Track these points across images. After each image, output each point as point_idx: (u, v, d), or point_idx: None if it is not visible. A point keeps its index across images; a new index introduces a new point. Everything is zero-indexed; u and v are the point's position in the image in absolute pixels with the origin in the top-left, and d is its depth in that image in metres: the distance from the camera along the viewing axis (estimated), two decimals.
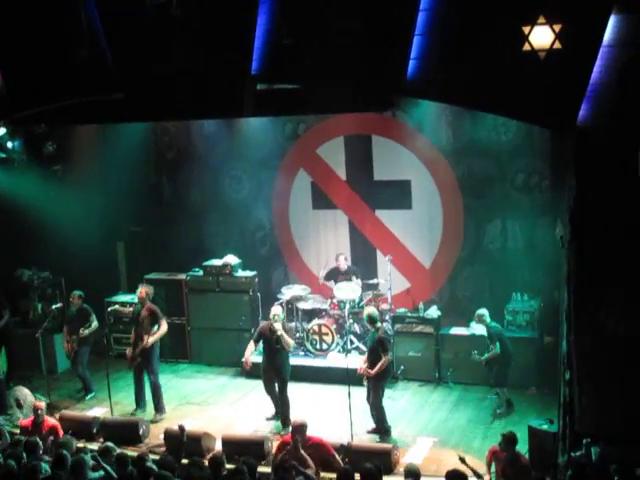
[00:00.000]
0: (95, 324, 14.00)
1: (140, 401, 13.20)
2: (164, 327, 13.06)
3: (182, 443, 10.29)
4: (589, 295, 9.00)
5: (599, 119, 8.60)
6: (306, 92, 10.48)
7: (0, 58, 10.08)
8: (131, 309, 14.27)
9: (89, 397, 14.05)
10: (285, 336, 12.29)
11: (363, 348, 13.73)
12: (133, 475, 8.96)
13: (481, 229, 14.84)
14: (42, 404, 11.71)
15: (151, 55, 10.25)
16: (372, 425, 12.01)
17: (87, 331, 13.88)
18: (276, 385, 12.45)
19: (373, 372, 11.76)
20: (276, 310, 12.54)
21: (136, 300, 13.48)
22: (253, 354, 12.66)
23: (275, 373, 12.41)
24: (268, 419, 12.58)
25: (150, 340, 12.84)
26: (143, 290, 13.14)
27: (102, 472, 9.13)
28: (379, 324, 12.04)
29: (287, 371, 12.51)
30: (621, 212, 8.82)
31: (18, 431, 11.63)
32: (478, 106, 10.03)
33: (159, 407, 13.03)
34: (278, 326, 12.23)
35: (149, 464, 9.30)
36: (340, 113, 13.83)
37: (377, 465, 8.96)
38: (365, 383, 11.98)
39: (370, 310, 12.20)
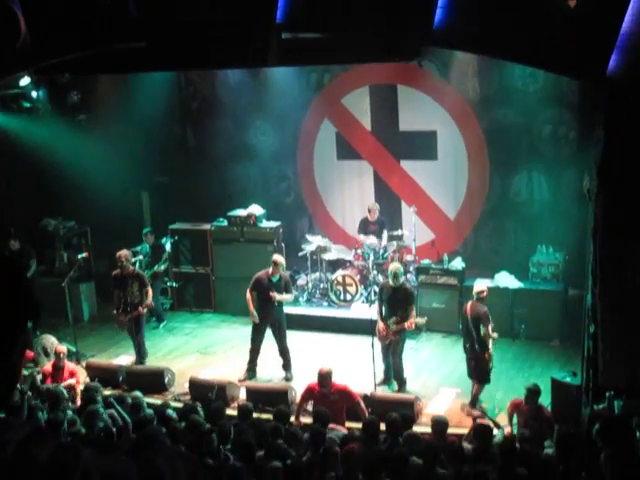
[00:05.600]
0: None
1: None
2: (150, 293, 13.10)
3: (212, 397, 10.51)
4: (615, 249, 8.91)
5: (630, 70, 8.44)
6: (331, 41, 10.36)
7: (24, 7, 9.99)
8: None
9: (162, 326, 14.83)
10: (285, 297, 12.43)
11: None
12: (147, 419, 9.12)
13: (507, 181, 14.74)
14: (63, 348, 11.95)
15: (175, 3, 10.16)
16: (381, 377, 11.99)
17: (163, 266, 14.74)
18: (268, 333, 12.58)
19: (412, 325, 11.69)
20: (277, 258, 12.57)
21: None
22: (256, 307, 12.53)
23: (273, 324, 12.47)
24: (241, 380, 12.33)
25: (144, 310, 12.96)
26: (122, 254, 12.87)
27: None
28: (402, 281, 11.87)
29: (284, 320, 12.62)
30: None
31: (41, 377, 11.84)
32: (506, 56, 9.88)
33: (139, 357, 13.08)
34: (274, 294, 12.24)
35: (170, 411, 9.47)
36: (366, 63, 13.67)
37: (404, 415, 9.04)
38: (386, 342, 11.78)
39: (395, 266, 12.00)
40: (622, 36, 8.37)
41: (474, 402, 11.07)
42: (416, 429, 9.74)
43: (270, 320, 12.44)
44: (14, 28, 10.40)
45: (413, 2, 9.17)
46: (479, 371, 11.06)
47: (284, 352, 12.50)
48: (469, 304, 11.32)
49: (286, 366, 12.48)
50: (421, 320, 12.04)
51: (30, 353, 12.50)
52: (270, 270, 12.39)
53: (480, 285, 11.66)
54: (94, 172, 14.97)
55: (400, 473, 7.39)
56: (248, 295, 12.45)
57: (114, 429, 9.07)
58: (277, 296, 12.29)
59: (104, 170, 15.18)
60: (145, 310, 12.99)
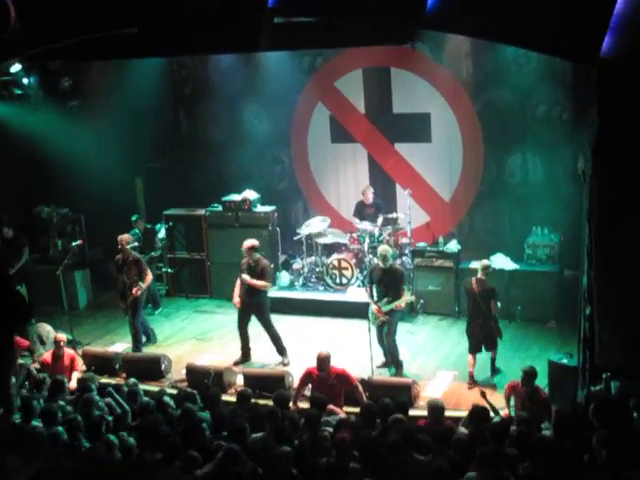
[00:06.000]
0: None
1: (149, 334, 13.50)
2: (149, 277, 13.12)
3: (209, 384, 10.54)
4: (610, 231, 8.90)
5: (623, 51, 8.39)
6: (324, 25, 10.30)
7: None
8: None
9: (158, 312, 14.85)
10: (258, 283, 12.28)
11: None
12: (143, 405, 9.17)
13: (501, 162, 14.70)
14: (63, 337, 12.00)
15: None
16: (382, 360, 12.02)
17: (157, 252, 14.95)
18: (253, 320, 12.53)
19: (402, 305, 11.71)
20: (247, 243, 12.48)
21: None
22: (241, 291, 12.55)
23: (255, 311, 12.43)
24: (236, 363, 12.44)
25: (139, 294, 12.86)
26: (123, 238, 12.96)
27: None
28: (391, 262, 11.85)
29: (267, 306, 12.54)
30: None
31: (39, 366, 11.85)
32: (499, 39, 9.84)
33: (136, 345, 13.06)
34: (245, 277, 12.26)
35: (166, 399, 9.50)
36: (359, 47, 13.59)
37: (399, 400, 9.05)
38: (377, 323, 11.77)
39: (383, 248, 11.95)
40: (615, 17, 8.33)
41: (495, 368, 11.63)
42: (414, 413, 9.77)
43: (250, 306, 12.41)
44: (4, 15, 10.33)
45: None
46: (492, 341, 11.51)
47: (273, 339, 12.46)
48: (473, 280, 11.53)
49: (280, 352, 12.45)
50: (410, 298, 12.02)
51: (25, 342, 12.48)
52: (247, 258, 12.42)
53: (485, 261, 11.80)
54: (87, 159, 14.90)
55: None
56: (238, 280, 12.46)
57: (110, 417, 9.09)
58: (247, 279, 12.24)
59: (97, 156, 15.12)
60: (139, 293, 12.87)
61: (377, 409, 8.82)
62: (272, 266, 13.25)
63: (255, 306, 12.41)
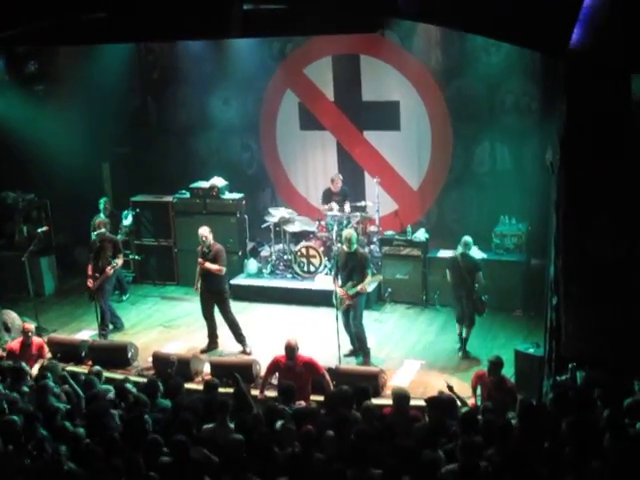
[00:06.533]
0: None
1: (115, 322, 13.46)
2: (121, 261, 13.31)
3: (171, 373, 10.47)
4: (577, 221, 8.95)
5: (591, 43, 8.42)
6: (293, 13, 10.26)
7: None
8: None
9: (125, 298, 14.87)
10: (212, 267, 12.25)
11: None
12: (98, 394, 9.13)
13: (469, 151, 14.76)
14: (31, 326, 11.89)
15: None
16: (349, 348, 12.02)
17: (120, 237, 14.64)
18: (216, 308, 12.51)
19: (366, 288, 11.74)
20: (202, 231, 12.44)
21: (97, 230, 13.25)
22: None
23: (213, 296, 12.43)
24: (203, 351, 12.43)
25: (110, 273, 12.98)
26: (101, 222, 13.17)
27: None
28: (356, 246, 11.80)
29: (226, 291, 12.55)
30: (611, 138, 8.71)
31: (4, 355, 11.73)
32: (468, 28, 9.85)
33: (103, 326, 13.01)
34: (200, 260, 12.28)
35: (128, 386, 9.48)
36: (328, 34, 13.55)
37: (359, 387, 9.08)
38: (343, 308, 11.78)
39: (348, 232, 11.94)
40: (584, 9, 8.36)
41: (465, 349, 12.06)
42: (380, 402, 9.80)
43: (210, 293, 12.41)
44: None
45: None
46: (471, 318, 11.98)
47: (231, 325, 12.43)
48: (458, 256, 12.01)
49: (238, 340, 12.41)
50: (373, 278, 12.05)
51: None
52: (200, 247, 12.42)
53: (466, 237, 12.07)
54: (53, 143, 14.72)
55: None
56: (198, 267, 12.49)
57: (67, 405, 9.03)
58: (206, 264, 12.23)
59: (63, 141, 14.92)
60: (112, 271, 12.97)
61: (338, 397, 8.83)
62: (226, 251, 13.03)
63: (214, 292, 12.39)
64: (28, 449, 7.79)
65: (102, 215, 14.63)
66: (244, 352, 12.27)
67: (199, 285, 12.47)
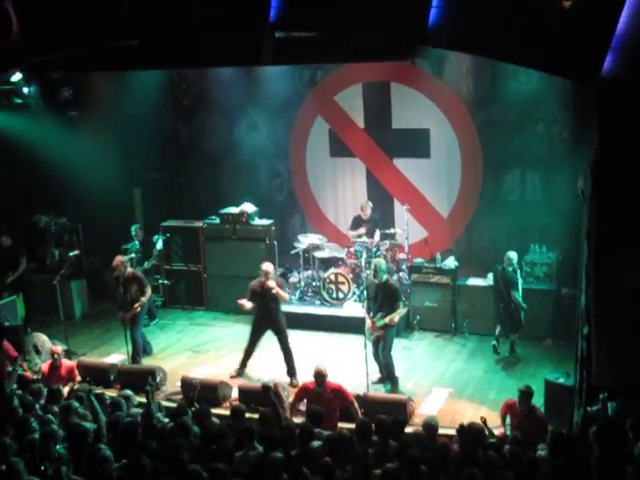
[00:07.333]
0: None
1: (145, 347, 13.45)
2: (149, 293, 13.32)
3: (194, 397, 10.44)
4: (609, 250, 8.86)
5: (624, 71, 8.37)
6: (325, 40, 10.29)
7: (15, 4, 9.92)
8: None
9: (153, 323, 14.83)
10: (280, 292, 12.28)
11: None
12: (119, 421, 9.06)
13: (500, 179, 14.71)
14: (59, 348, 11.96)
15: (168, 1, 10.08)
16: (377, 375, 11.98)
17: (152, 262, 15.07)
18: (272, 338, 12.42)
19: (395, 320, 11.66)
20: (267, 267, 12.37)
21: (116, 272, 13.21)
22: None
23: (272, 328, 12.35)
24: (232, 377, 12.40)
25: (139, 309, 13.00)
26: (118, 261, 13.11)
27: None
28: (386, 276, 11.86)
29: (284, 323, 12.48)
30: None
31: (37, 377, 11.81)
32: (500, 57, 9.79)
33: (134, 357, 13.02)
34: (272, 283, 12.17)
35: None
36: (359, 62, 13.61)
37: (395, 419, 8.98)
38: (373, 339, 11.78)
39: (377, 261, 11.99)
40: (617, 37, 8.33)
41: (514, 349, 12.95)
42: (409, 430, 9.72)
43: (268, 324, 12.36)
44: (6, 25, 10.33)
45: (407, 1, 9.11)
46: (514, 324, 12.78)
47: (287, 356, 12.34)
48: (499, 268, 12.83)
49: (290, 372, 12.28)
50: (403, 310, 12.00)
51: (14, 352, 12.31)
52: (263, 279, 12.29)
53: (511, 253, 12.87)
54: (86, 168, 14.86)
55: None
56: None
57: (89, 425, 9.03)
58: (278, 290, 12.20)
59: (96, 166, 15.08)
60: (139, 308, 12.98)
61: (376, 425, 8.74)
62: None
63: (280, 321, 12.40)
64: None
65: (136, 243, 14.76)
66: (291, 384, 12.01)
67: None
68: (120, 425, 8.86)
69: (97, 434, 8.74)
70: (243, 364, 12.56)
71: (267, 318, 12.34)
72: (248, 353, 12.54)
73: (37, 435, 8.36)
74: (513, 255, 12.78)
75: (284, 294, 12.44)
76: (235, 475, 7.64)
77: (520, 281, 12.79)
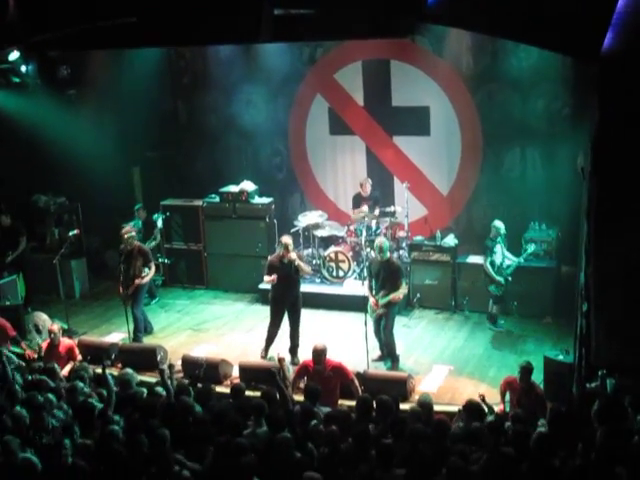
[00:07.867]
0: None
1: (146, 326, 13.43)
2: (153, 269, 13.30)
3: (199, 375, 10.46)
4: (609, 228, 8.86)
5: (624, 48, 8.35)
6: (324, 18, 10.25)
7: None
8: None
9: (154, 302, 14.87)
10: (302, 264, 12.23)
11: None
12: (136, 396, 9.14)
13: (500, 157, 14.65)
14: (55, 327, 11.90)
15: None
16: (377, 353, 12.02)
17: (153, 243, 14.99)
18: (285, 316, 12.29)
19: (398, 297, 11.68)
20: (287, 240, 12.11)
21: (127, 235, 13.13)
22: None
23: (291, 305, 12.19)
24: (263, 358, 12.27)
25: (143, 282, 13.02)
26: (125, 231, 13.11)
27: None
28: (388, 254, 11.84)
29: (301, 301, 12.38)
30: None
31: (36, 356, 11.83)
32: (499, 33, 9.77)
33: (136, 334, 13.03)
34: (294, 255, 12.03)
35: (158, 389, 9.50)
36: (359, 40, 13.54)
37: (394, 396, 9.02)
38: (375, 316, 11.81)
39: (380, 240, 11.97)
40: (617, 14, 8.29)
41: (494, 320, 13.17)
42: (409, 407, 9.74)
43: (290, 298, 12.18)
44: (2, 3, 10.29)
45: None
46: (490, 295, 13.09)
47: (295, 334, 12.24)
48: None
49: (293, 350, 12.19)
50: (404, 290, 12.00)
51: (12, 331, 12.30)
52: (281, 253, 12.08)
53: (497, 221, 12.97)
54: (84, 147, 14.87)
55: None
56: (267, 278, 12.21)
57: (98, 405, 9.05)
58: (294, 257, 11.95)
59: (95, 145, 15.10)
60: (143, 281, 13.00)
61: (377, 404, 8.77)
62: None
63: (299, 299, 12.26)
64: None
65: (139, 222, 14.78)
66: (293, 363, 11.92)
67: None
68: (138, 400, 8.99)
69: (105, 410, 8.80)
70: (266, 348, 12.32)
71: (288, 293, 12.12)
72: (272, 336, 12.30)
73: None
74: (499, 225, 12.82)
75: (306, 266, 12.41)
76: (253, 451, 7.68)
77: (504, 253, 12.96)
